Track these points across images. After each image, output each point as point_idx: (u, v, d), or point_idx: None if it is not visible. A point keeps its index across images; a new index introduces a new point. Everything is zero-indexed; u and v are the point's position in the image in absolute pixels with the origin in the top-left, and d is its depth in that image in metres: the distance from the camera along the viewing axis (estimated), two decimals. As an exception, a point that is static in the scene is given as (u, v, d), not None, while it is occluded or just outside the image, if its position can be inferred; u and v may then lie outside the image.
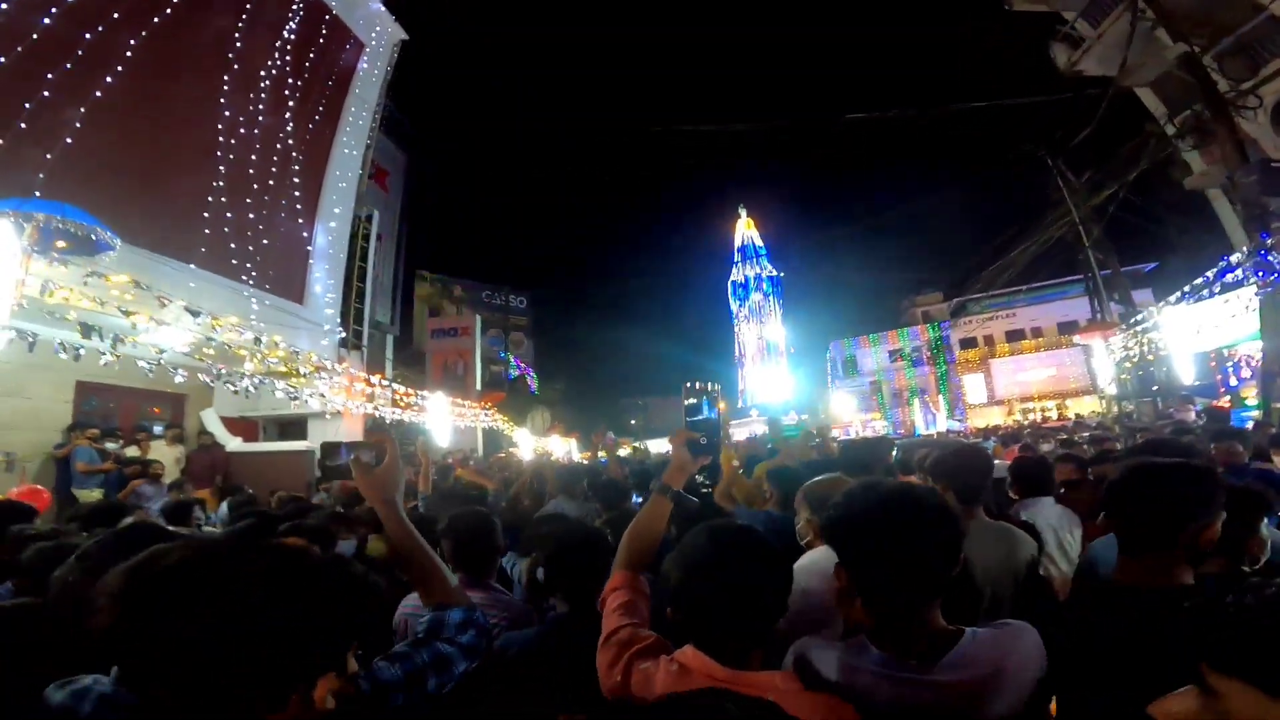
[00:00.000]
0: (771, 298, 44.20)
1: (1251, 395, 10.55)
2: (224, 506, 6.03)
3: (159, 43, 8.55)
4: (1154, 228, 17.06)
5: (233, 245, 9.86)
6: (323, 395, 9.97)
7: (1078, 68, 13.42)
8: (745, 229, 45.85)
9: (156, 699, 0.77)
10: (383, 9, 14.07)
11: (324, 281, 12.25)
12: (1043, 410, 28.02)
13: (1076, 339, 20.12)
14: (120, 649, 0.80)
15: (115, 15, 7.97)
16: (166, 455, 8.25)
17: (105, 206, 6.16)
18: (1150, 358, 13.03)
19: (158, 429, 9.13)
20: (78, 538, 2.39)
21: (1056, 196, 16.80)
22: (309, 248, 11.99)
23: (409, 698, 1.09)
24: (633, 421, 44.19)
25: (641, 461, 7.53)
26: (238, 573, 0.78)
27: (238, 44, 10.14)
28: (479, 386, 25.14)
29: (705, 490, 3.94)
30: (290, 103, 11.29)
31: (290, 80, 11.30)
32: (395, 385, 12.59)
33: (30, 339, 5.26)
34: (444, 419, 14.01)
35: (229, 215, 9.77)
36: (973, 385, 32.14)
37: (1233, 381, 12.25)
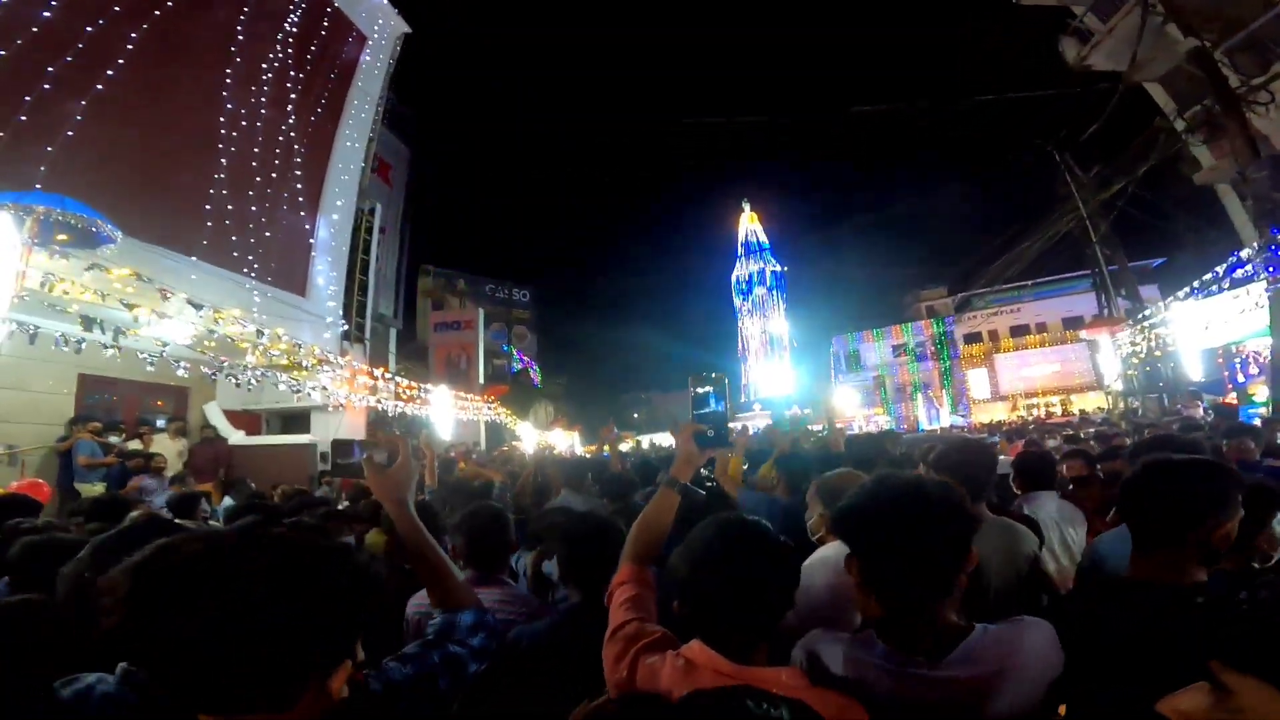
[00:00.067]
0: (775, 292, 44.08)
1: (1259, 392, 10.48)
2: (227, 499, 6.05)
3: (160, 36, 8.51)
4: (1161, 223, 16.97)
5: (234, 238, 9.83)
6: (325, 388, 9.97)
7: (1087, 63, 13.35)
8: (749, 223, 45.70)
9: (157, 698, 0.78)
10: (385, 1, 14.01)
11: (326, 274, 12.23)
12: (1047, 406, 27.93)
13: (1083, 334, 20.06)
14: (124, 647, 0.80)
15: (116, 8, 7.94)
16: (169, 449, 8.24)
17: (107, 199, 6.13)
18: (1158, 354, 12.96)
19: (160, 422, 9.14)
20: (69, 532, 2.37)
21: (1064, 192, 16.70)
22: (311, 240, 11.96)
23: (419, 698, 1.08)
24: (635, 415, 44.23)
25: (645, 457, 7.51)
26: (240, 571, 0.77)
27: (240, 37, 10.09)
28: (482, 380, 25.14)
29: (710, 484, 3.91)
30: (292, 95, 11.25)
31: (292, 73, 11.25)
32: (398, 378, 12.61)
33: (31, 331, 5.25)
34: (447, 412, 14.03)
35: (231, 208, 9.74)
36: (977, 380, 32.05)
37: (1240, 378, 12.18)
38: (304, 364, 9.38)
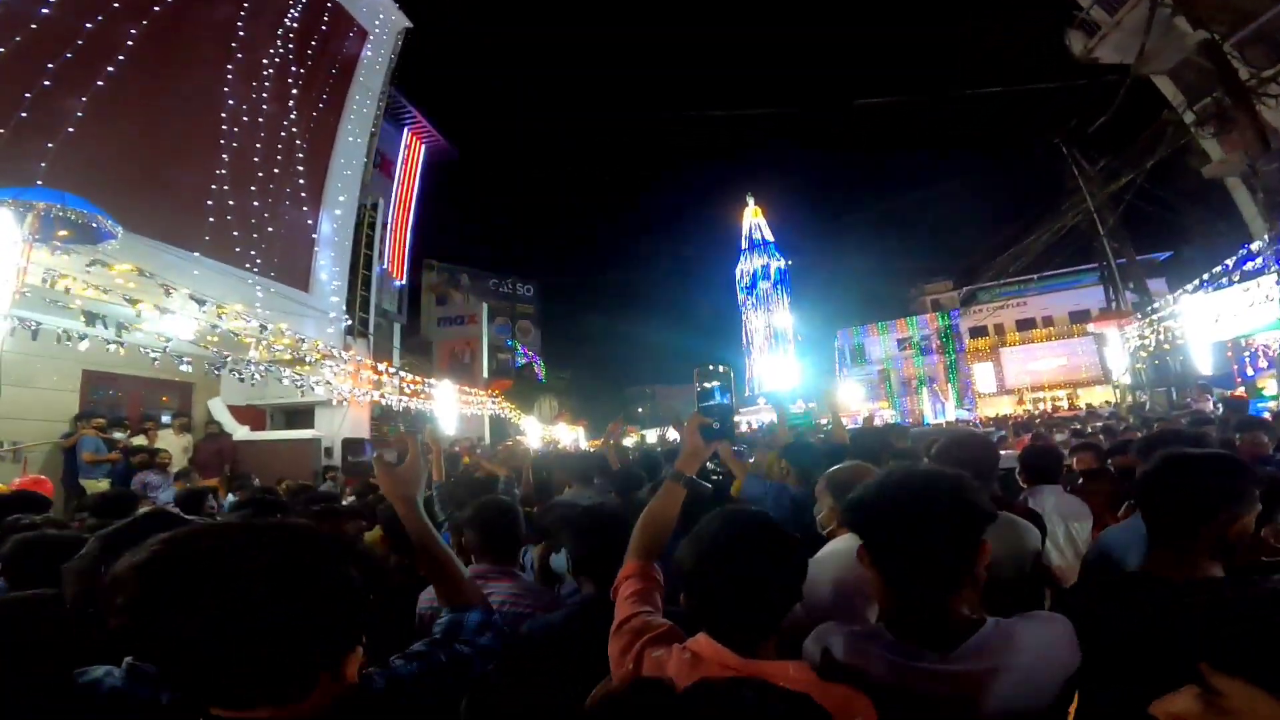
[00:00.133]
0: (779, 287, 43.95)
1: (1269, 385, 10.40)
2: (231, 496, 6.05)
3: (160, 32, 8.49)
4: (1169, 216, 16.85)
5: (237, 233, 9.83)
6: (329, 383, 9.97)
7: (1093, 55, 13.25)
8: (753, 217, 45.54)
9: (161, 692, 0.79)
10: (386, -5, 13.97)
11: (329, 269, 12.23)
12: (1053, 400, 27.81)
13: (1090, 328, 19.92)
14: (132, 644, 0.82)
15: (116, 4, 7.91)
16: (174, 444, 8.27)
17: (108, 196, 6.12)
18: (1166, 347, 12.87)
19: (165, 418, 9.16)
20: (66, 528, 2.36)
21: (1071, 185, 16.57)
22: (314, 235, 11.95)
23: (423, 696, 1.09)
24: (640, 410, 44.22)
25: (649, 451, 7.49)
26: (245, 567, 0.77)
27: (240, 33, 10.06)
28: (486, 374, 25.17)
29: (716, 477, 3.88)
30: (293, 91, 11.22)
31: (293, 68, 11.22)
32: (402, 373, 12.61)
33: (32, 327, 5.24)
34: (451, 407, 14.03)
35: (233, 203, 9.74)
36: (982, 374, 31.92)
37: (1249, 371, 12.08)
38: (307, 359, 9.39)
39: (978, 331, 32.80)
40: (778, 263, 44.25)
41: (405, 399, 12.32)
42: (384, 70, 14.10)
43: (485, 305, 28.02)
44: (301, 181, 11.44)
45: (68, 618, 1.30)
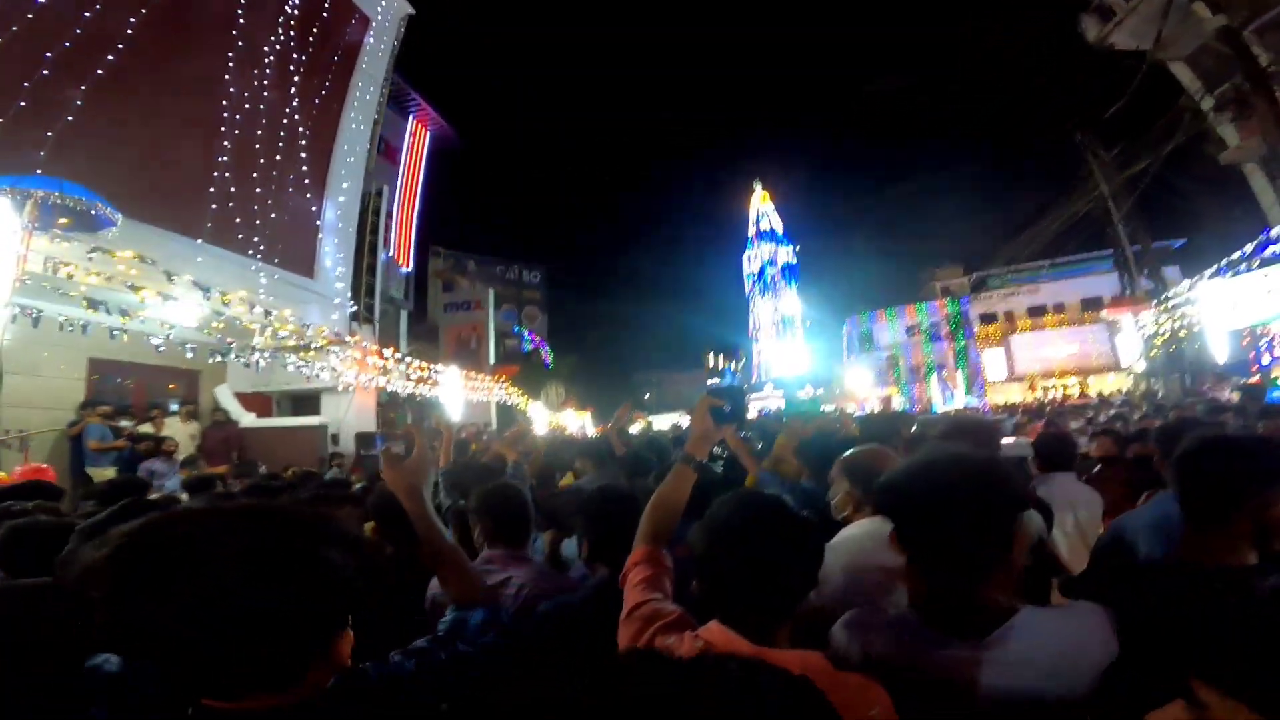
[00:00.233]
0: (788, 276, 43.63)
1: (1286, 374, 10.24)
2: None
3: (160, 20, 8.43)
4: (1183, 203, 16.61)
5: (240, 220, 9.82)
6: (334, 369, 9.96)
7: (1108, 41, 13.06)
8: (760, 203, 45.12)
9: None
10: (387, -17, 13.83)
11: (334, 255, 12.25)
12: (1064, 387, 27.57)
13: (1104, 314, 19.72)
14: (113, 636, 0.80)
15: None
16: (181, 432, 8.27)
17: (109, 183, 6.09)
18: (1182, 334, 12.70)
19: (173, 406, 9.17)
20: (59, 516, 2.32)
21: (1084, 171, 16.33)
22: (318, 222, 11.97)
23: (421, 693, 1.08)
24: (646, 396, 44.27)
25: (654, 436, 7.45)
26: (220, 554, 0.74)
27: (241, 20, 10.01)
28: (492, 360, 25.19)
29: (722, 458, 3.81)
30: (295, 78, 11.18)
31: (295, 55, 11.17)
32: (408, 359, 12.59)
33: (33, 315, 5.22)
34: (457, 392, 14.01)
35: (235, 190, 9.73)
36: (992, 361, 31.64)
37: (1265, 360, 11.91)
38: (312, 345, 9.37)
39: (988, 318, 32.48)
40: (786, 252, 43.83)
41: (411, 385, 12.30)
42: (387, 57, 14.03)
43: (491, 291, 28.02)
44: (305, 168, 11.42)
45: (67, 607, 1.27)
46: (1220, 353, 12.48)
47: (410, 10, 14.55)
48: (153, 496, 3.78)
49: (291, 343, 9.04)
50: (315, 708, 0.82)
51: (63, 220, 5.27)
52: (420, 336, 23.23)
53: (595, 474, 3.84)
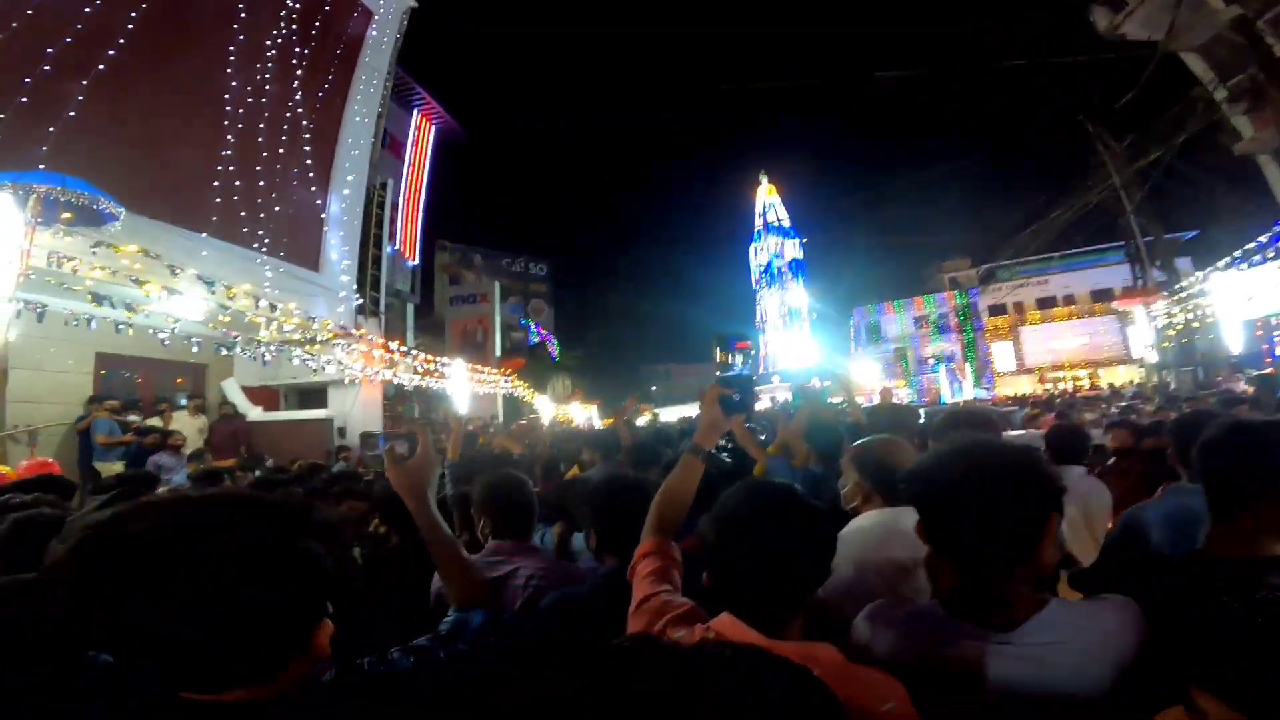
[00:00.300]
0: (794, 270, 43.41)
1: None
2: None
3: (160, 15, 8.43)
4: (1195, 194, 16.41)
5: (244, 214, 9.85)
6: (340, 362, 9.97)
7: (1119, 31, 12.89)
8: (767, 196, 44.87)
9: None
10: (390, -24, 13.78)
11: (339, 248, 12.28)
12: (1074, 379, 27.36)
13: (1116, 305, 19.53)
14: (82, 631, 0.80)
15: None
16: (189, 426, 8.31)
17: (111, 178, 6.11)
18: (1196, 325, 12.57)
19: (181, 400, 9.20)
20: (58, 509, 2.30)
21: (1095, 161, 16.16)
22: (323, 215, 11.99)
23: (419, 691, 1.07)
24: (654, 388, 44.24)
25: (660, 427, 7.44)
26: (177, 546, 0.72)
27: (242, 14, 9.99)
28: (499, 353, 25.22)
29: (728, 447, 3.77)
30: (298, 72, 11.18)
31: (297, 49, 11.17)
32: (415, 352, 12.60)
33: (38, 310, 5.23)
34: (463, 385, 14.01)
35: (239, 184, 9.75)
36: (1001, 353, 31.44)
37: (1279, 351, 11.77)
38: (318, 338, 9.37)
39: (997, 310, 32.26)
40: (793, 245, 43.55)
41: (418, 378, 12.31)
42: (390, 50, 13.98)
43: (497, 284, 28.02)
44: (309, 162, 11.43)
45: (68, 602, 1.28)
46: (1234, 344, 12.36)
47: (413, 3, 14.49)
48: (160, 490, 3.78)
49: (297, 336, 9.05)
50: (307, 702, 0.81)
51: (66, 215, 5.27)
52: (426, 330, 23.26)
53: (603, 465, 3.83)
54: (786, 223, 44.20)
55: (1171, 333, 13.84)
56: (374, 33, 13.52)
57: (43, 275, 5.40)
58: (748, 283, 45.92)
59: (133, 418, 7.76)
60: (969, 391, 29.21)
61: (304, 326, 9.05)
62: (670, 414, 19.36)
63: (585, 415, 23.23)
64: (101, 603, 0.70)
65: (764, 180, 45.10)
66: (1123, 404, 8.85)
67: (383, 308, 14.11)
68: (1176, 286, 13.64)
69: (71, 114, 7.13)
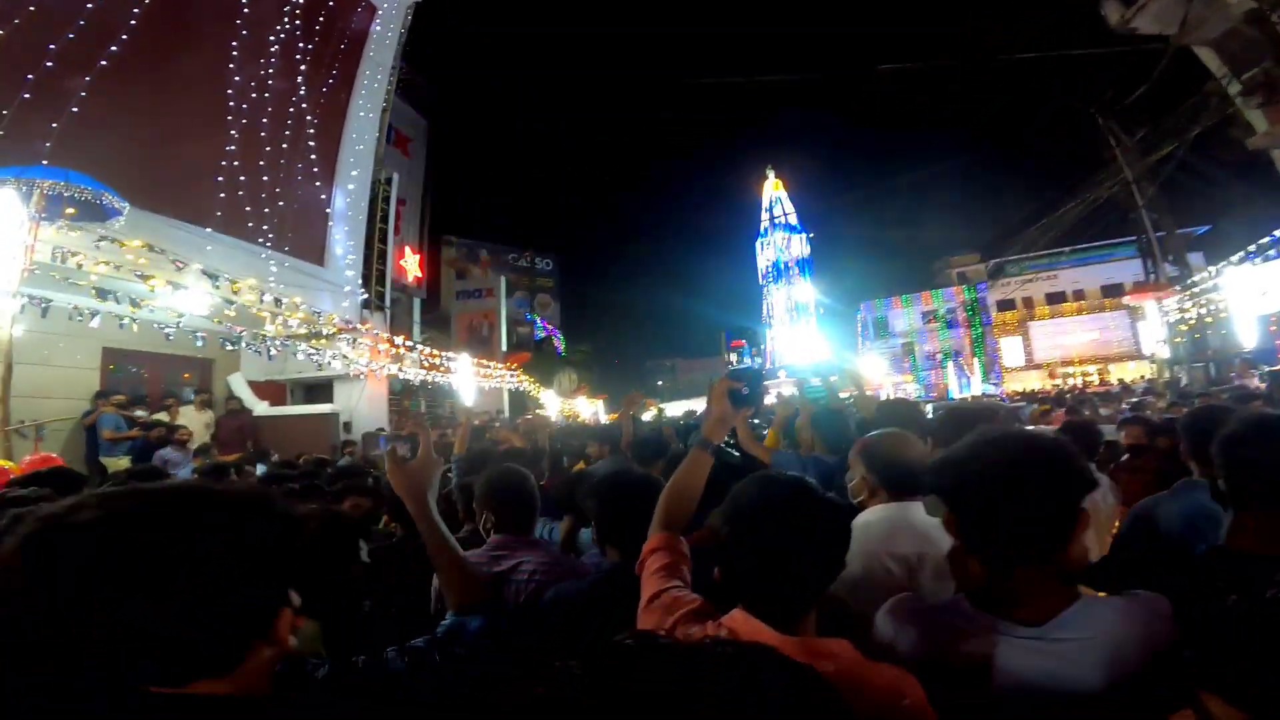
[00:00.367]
0: (802, 265, 43.17)
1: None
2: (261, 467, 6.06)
3: (163, 10, 8.40)
4: (1207, 189, 16.22)
5: (249, 209, 9.86)
6: (345, 357, 9.98)
7: (1131, 25, 12.73)
8: (773, 190, 44.61)
9: None
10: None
11: (344, 243, 12.29)
12: (1083, 375, 27.16)
13: (1127, 300, 19.35)
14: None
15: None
16: (196, 421, 8.33)
17: (115, 173, 6.12)
18: (1209, 320, 12.43)
19: (188, 395, 9.23)
20: (54, 502, 2.27)
21: (1106, 155, 15.98)
22: (328, 210, 12.00)
23: (418, 691, 1.07)
24: (660, 383, 44.22)
25: (660, 422, 7.41)
26: (121, 540, 0.71)
27: (245, 9, 9.98)
28: (505, 347, 25.23)
29: (731, 443, 3.74)
30: (302, 66, 11.16)
31: (301, 44, 11.14)
32: (421, 346, 12.61)
33: (41, 305, 5.23)
34: (469, 380, 14.02)
35: (244, 179, 9.75)
36: (1010, 348, 31.26)
37: (1293, 346, 11.63)
38: (323, 333, 9.38)
39: (1005, 305, 32.06)
40: (800, 241, 43.25)
41: (424, 373, 12.32)
42: (394, 45, 13.94)
43: (503, 279, 28.02)
44: (314, 157, 11.44)
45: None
46: (1247, 339, 12.23)
47: (416, -2, 14.43)
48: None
49: (303, 331, 9.06)
50: (302, 699, 0.82)
51: (70, 210, 5.27)
52: (433, 324, 23.30)
53: (611, 459, 3.82)
54: (793, 218, 43.94)
55: (1183, 328, 13.71)
56: (378, 27, 13.49)
57: (47, 270, 5.41)
58: (754, 277, 45.75)
59: (139, 413, 7.77)
60: (977, 387, 29.00)
61: (309, 321, 9.06)
62: (675, 408, 19.34)
63: (591, 410, 23.24)
64: (55, 597, 0.69)
65: (770, 175, 44.84)
66: (1134, 400, 8.75)
67: (388, 302, 14.12)
68: (1189, 281, 13.47)
69: (75, 109, 7.12)
